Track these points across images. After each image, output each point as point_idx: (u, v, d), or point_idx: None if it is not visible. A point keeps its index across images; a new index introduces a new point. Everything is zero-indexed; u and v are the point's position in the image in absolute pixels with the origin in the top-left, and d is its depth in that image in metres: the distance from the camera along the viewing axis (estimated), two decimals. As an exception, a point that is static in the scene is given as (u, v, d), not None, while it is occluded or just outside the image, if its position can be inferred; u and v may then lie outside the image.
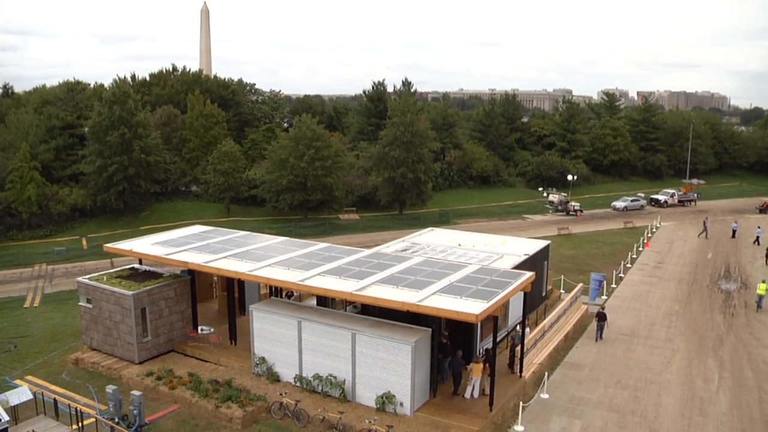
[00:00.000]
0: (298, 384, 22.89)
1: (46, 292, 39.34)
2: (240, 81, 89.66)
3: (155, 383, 23.10)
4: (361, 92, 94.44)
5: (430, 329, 21.27)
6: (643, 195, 75.67)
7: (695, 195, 76.25)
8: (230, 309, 26.14)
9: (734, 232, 54.71)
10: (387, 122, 64.90)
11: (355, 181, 65.93)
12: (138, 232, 49.18)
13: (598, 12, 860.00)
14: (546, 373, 24.44)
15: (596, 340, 29.13)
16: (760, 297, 34.50)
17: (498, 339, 22.04)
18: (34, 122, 61.21)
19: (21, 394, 20.52)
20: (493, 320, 21.15)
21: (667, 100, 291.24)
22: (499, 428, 20.99)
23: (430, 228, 37.86)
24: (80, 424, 19.92)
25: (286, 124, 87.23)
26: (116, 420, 20.43)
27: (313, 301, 27.23)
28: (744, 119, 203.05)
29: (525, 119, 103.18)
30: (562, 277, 37.62)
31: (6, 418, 18.30)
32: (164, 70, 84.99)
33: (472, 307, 19.58)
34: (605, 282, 36.07)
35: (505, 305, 24.28)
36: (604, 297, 35.43)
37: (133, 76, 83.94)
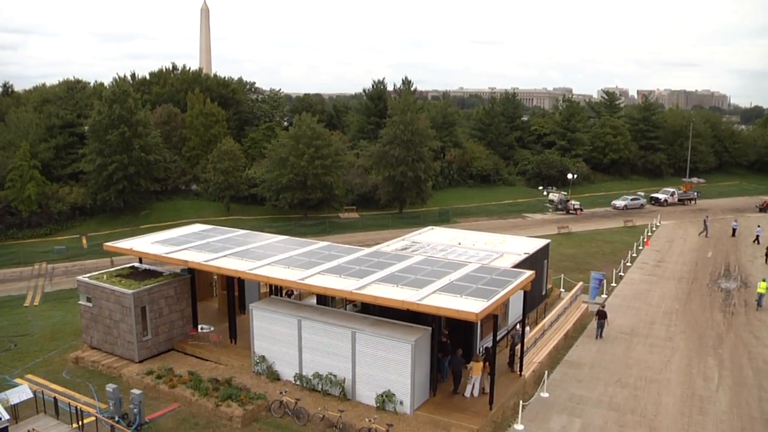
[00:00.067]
0: (298, 382, 22.90)
1: (46, 290, 39.35)
2: (240, 79, 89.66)
3: (155, 382, 23.11)
4: (361, 91, 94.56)
5: (430, 328, 21.28)
6: (643, 194, 75.65)
7: (695, 194, 76.25)
8: (230, 308, 26.15)
9: (734, 230, 54.73)
10: (387, 121, 64.94)
11: (355, 180, 65.92)
12: (138, 230, 49.15)
13: (599, 11, 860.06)
14: (546, 372, 24.45)
15: (596, 339, 29.15)
16: (761, 295, 34.51)
17: (498, 338, 22.05)
18: (34, 121, 61.20)
19: (21, 392, 20.55)
20: (493, 319, 21.16)
21: (667, 98, 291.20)
22: (499, 427, 21.00)
23: (430, 227, 37.87)
24: (80, 423, 19.94)
25: (286, 123, 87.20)
26: (116, 419, 20.45)
27: (313, 300, 27.26)
28: (744, 118, 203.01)
29: (525, 118, 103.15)
30: (562, 275, 37.62)
31: (6, 416, 18.30)
32: (164, 69, 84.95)
33: (472, 306, 19.59)
34: (605, 281, 36.08)
35: (505, 304, 24.28)
36: (604, 296, 35.44)
37: (133, 75, 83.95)
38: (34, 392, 21.11)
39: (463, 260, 26.52)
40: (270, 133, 72.11)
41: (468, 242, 32.18)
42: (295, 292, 30.02)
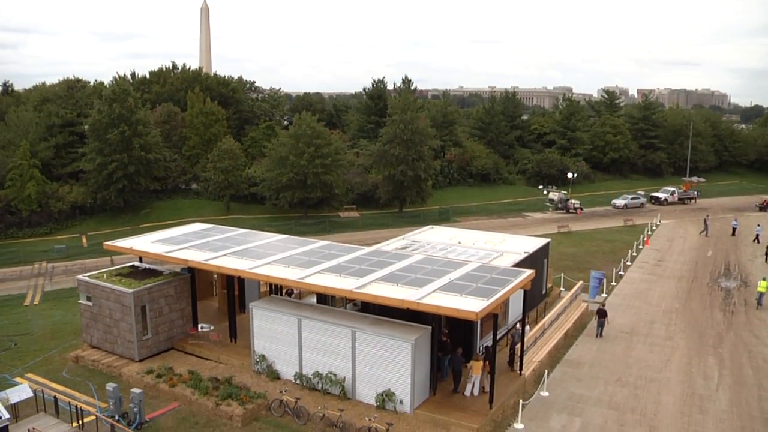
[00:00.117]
0: (298, 382, 22.91)
1: (46, 289, 39.36)
2: (240, 79, 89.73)
3: (155, 381, 23.12)
4: (361, 90, 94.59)
5: (430, 327, 21.29)
6: (643, 193, 75.67)
7: (695, 193, 76.25)
8: (230, 307, 26.15)
9: (734, 229, 54.72)
10: (387, 120, 64.91)
11: (355, 179, 65.93)
12: (138, 229, 49.16)
13: (599, 10, 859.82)
14: (546, 371, 24.45)
15: (596, 337, 29.16)
16: (761, 294, 34.51)
17: (498, 337, 22.04)
18: (34, 120, 61.24)
19: (21, 391, 20.54)
20: (493, 318, 21.16)
21: (667, 97, 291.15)
22: (498, 426, 21.01)
23: (430, 226, 37.86)
24: (80, 422, 19.95)
25: (286, 122, 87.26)
26: (116, 418, 20.46)
27: (313, 299, 27.25)
28: (744, 117, 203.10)
29: (525, 117, 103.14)
30: (562, 274, 37.63)
31: (6, 415, 18.30)
32: (164, 68, 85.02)
33: (472, 305, 19.59)
34: (605, 280, 36.08)
35: (505, 303, 24.27)
36: (604, 295, 35.43)
37: (133, 74, 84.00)
38: (35, 391, 21.12)
39: (463, 259, 26.52)
40: (270, 132, 72.12)
41: (468, 241, 32.19)
42: (295, 291, 30.02)
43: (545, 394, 23.31)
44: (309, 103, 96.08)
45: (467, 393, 21.74)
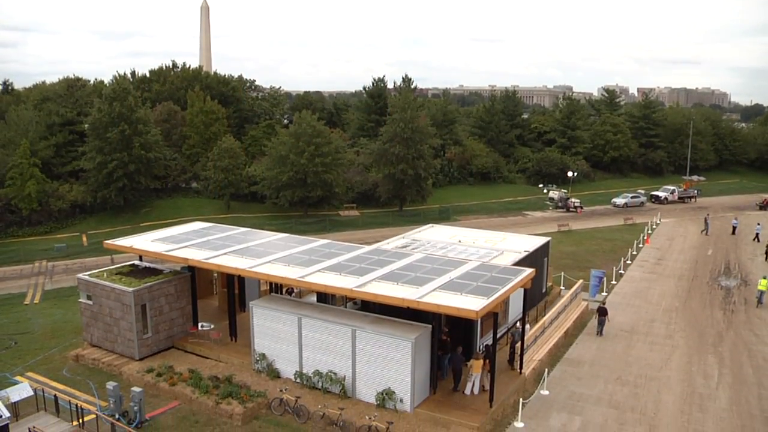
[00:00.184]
0: (298, 380, 22.92)
1: (47, 288, 39.38)
2: (240, 77, 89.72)
3: (155, 380, 23.13)
4: (361, 89, 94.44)
5: (431, 326, 21.29)
6: (643, 192, 75.69)
7: (695, 192, 76.25)
8: (230, 305, 26.15)
9: (734, 228, 54.73)
10: (387, 119, 64.92)
11: (355, 178, 65.94)
12: (138, 228, 49.14)
13: (599, 9, 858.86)
14: (546, 370, 24.47)
15: (597, 335, 29.17)
16: (761, 293, 34.52)
17: (498, 335, 22.05)
18: (34, 119, 61.23)
19: (21, 390, 20.54)
20: (493, 317, 21.17)
21: (667, 96, 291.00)
22: (499, 424, 21.02)
23: (430, 224, 37.85)
24: (81, 421, 19.95)
25: (286, 121, 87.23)
26: (117, 416, 20.48)
27: (313, 298, 27.25)
28: (744, 116, 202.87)
29: (525, 116, 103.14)
30: (562, 273, 37.64)
31: (6, 414, 18.30)
32: (164, 67, 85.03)
33: (472, 304, 19.59)
34: (605, 278, 36.10)
35: (505, 302, 24.27)
36: (604, 293, 35.44)
37: (133, 73, 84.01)
38: (35, 390, 21.12)
39: (463, 258, 26.53)
40: (270, 130, 72.11)
41: (468, 240, 32.19)
42: (295, 290, 30.03)
43: (545, 392, 23.32)
44: (309, 101, 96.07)
45: (467, 392, 21.75)
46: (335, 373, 21.98)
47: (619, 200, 70.96)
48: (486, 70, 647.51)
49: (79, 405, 20.27)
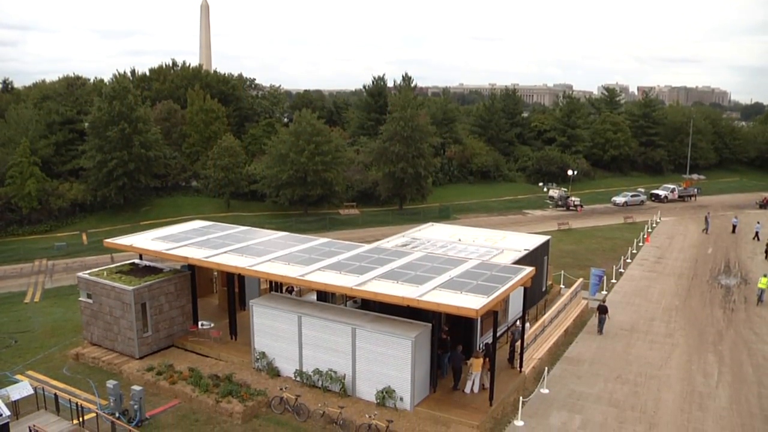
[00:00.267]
0: (298, 379, 22.93)
1: (47, 287, 39.38)
2: (240, 76, 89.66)
3: (156, 378, 23.15)
4: (361, 87, 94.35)
5: (430, 324, 21.30)
6: (643, 190, 75.69)
7: (695, 190, 76.25)
8: (230, 304, 26.16)
9: (734, 227, 54.74)
10: (387, 117, 64.89)
11: (355, 176, 65.92)
12: (138, 227, 49.16)
13: (599, 7, 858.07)
14: (546, 368, 24.47)
15: (597, 333, 29.18)
16: (762, 291, 34.53)
17: (498, 334, 22.07)
18: (34, 117, 61.20)
19: (22, 389, 20.57)
20: (493, 315, 21.18)
21: (667, 95, 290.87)
22: (498, 423, 21.03)
23: (430, 223, 37.85)
24: (81, 419, 19.97)
25: (286, 119, 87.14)
26: (117, 415, 20.48)
27: (313, 296, 27.27)
28: (744, 114, 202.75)
29: (525, 114, 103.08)
30: (562, 272, 37.65)
31: (7, 413, 18.32)
32: (164, 65, 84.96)
33: (472, 302, 19.60)
34: (605, 277, 36.10)
35: (505, 300, 24.28)
36: (604, 292, 35.45)
37: (133, 71, 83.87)
38: (35, 388, 21.14)
39: (463, 257, 26.53)
40: (270, 129, 72.11)
41: (468, 239, 32.20)
42: (295, 289, 30.04)
43: (545, 391, 23.33)
44: (309, 100, 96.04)
45: (467, 390, 21.76)
46: (335, 372, 21.99)
47: (619, 199, 70.97)
48: (486, 68, 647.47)
49: (79, 403, 20.29)
